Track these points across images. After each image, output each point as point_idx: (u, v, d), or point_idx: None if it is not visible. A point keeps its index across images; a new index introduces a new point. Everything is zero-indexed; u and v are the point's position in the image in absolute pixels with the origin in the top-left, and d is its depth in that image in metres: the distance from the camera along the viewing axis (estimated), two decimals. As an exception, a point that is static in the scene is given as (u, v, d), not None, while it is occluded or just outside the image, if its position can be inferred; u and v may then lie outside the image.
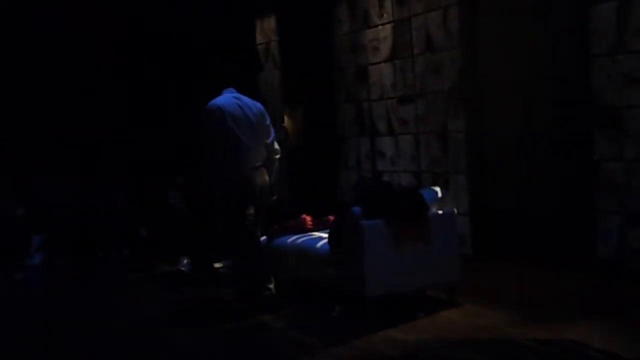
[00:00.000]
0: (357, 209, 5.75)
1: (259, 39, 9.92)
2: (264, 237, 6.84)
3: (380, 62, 8.46)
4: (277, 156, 6.31)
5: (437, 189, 6.17)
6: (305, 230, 6.65)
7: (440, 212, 5.97)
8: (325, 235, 6.18)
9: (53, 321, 6.29)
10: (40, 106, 8.67)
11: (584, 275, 6.36)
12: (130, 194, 8.91)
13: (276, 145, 6.28)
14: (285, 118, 9.29)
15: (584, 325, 5.15)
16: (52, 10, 8.73)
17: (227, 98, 6.07)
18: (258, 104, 6.22)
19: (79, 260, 8.01)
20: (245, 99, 6.14)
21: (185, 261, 7.32)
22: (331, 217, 6.78)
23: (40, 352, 5.59)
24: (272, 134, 6.24)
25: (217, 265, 7.76)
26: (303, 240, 6.41)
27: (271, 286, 6.17)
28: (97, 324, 6.23)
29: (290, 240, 6.53)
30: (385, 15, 8.28)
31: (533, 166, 7.03)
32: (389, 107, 8.41)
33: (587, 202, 6.43)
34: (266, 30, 9.83)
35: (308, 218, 6.77)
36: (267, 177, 6.23)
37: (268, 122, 6.27)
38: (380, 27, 8.39)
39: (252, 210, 6.10)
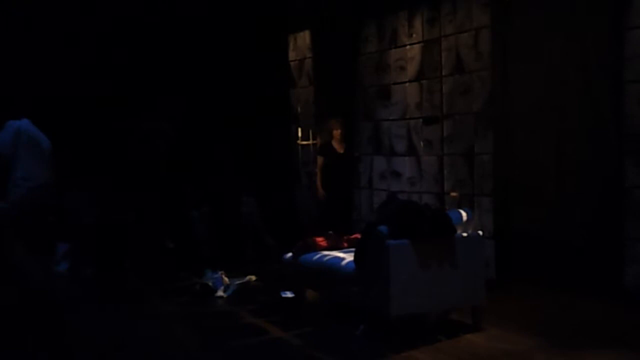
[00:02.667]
0: (383, 228, 5.79)
1: (292, 55, 9.99)
2: (289, 254, 6.90)
3: (405, 82, 8.49)
4: None
5: (463, 211, 6.18)
6: (331, 247, 6.68)
7: (466, 234, 5.98)
8: (351, 253, 6.20)
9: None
10: (70, 114, 8.76)
11: (610, 304, 6.35)
12: (158, 205, 8.97)
13: None
14: (317, 134, 9.33)
15: (609, 355, 5.17)
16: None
17: None
18: None
19: (103, 269, 8.09)
20: None
21: (211, 274, 7.34)
22: (351, 236, 6.86)
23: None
24: None
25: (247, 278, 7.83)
26: (328, 258, 6.45)
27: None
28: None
29: (315, 257, 6.57)
30: (414, 35, 8.32)
31: (562, 191, 7.03)
32: (411, 127, 8.43)
33: (615, 229, 6.42)
34: (300, 46, 9.90)
35: (327, 236, 6.83)
36: None
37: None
38: (408, 46, 8.44)
39: None
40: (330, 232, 6.93)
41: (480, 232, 6.21)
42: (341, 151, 8.60)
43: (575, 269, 6.74)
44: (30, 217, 6.02)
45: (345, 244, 6.77)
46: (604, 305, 6.35)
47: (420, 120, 8.34)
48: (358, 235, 6.66)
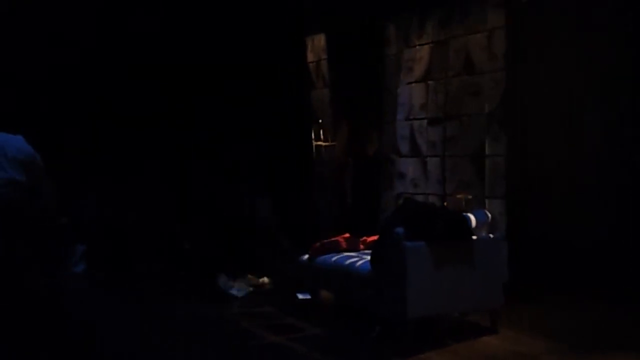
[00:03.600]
0: (400, 230, 5.81)
1: (310, 57, 10.00)
2: (305, 256, 6.93)
3: (412, 83, 8.49)
4: None
5: (487, 212, 6.21)
6: (347, 249, 6.70)
7: (487, 236, 6.01)
8: (367, 255, 6.23)
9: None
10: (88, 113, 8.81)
11: (627, 308, 6.36)
12: (175, 206, 9.01)
13: None
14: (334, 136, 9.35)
15: (626, 359, 5.17)
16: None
17: None
18: None
19: (119, 271, 8.13)
20: None
21: (225, 279, 7.37)
22: (368, 238, 6.87)
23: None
24: None
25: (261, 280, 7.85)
26: (344, 260, 6.48)
27: None
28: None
29: (331, 259, 6.60)
30: (424, 35, 8.33)
31: (577, 192, 7.05)
32: (415, 128, 8.43)
33: (634, 231, 6.44)
34: (317, 48, 9.90)
35: (343, 238, 6.85)
36: None
37: None
38: (417, 47, 8.43)
39: None
40: (348, 234, 6.95)
41: (492, 235, 6.22)
42: (362, 153, 8.60)
43: (591, 271, 6.76)
44: None
45: (362, 246, 6.80)
46: (622, 308, 6.38)
47: (425, 121, 8.34)
48: (369, 238, 6.73)
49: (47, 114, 8.07)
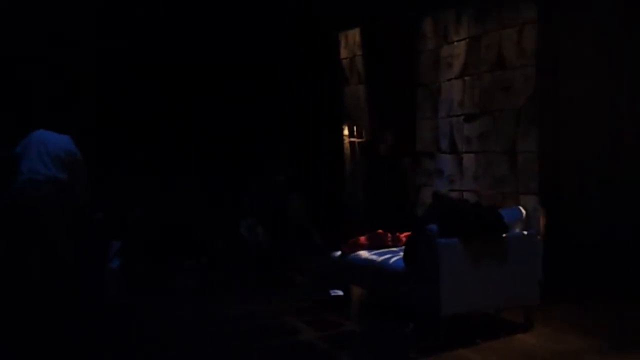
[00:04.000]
0: (433, 227, 5.81)
1: (343, 53, 9.98)
2: (338, 252, 6.93)
3: (451, 79, 8.47)
4: None
5: (522, 208, 6.18)
6: (379, 246, 6.70)
7: (522, 232, 5.99)
8: (401, 251, 6.22)
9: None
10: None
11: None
12: (209, 202, 9.07)
13: None
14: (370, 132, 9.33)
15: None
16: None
17: None
18: None
19: (155, 267, 8.18)
20: None
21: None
22: (402, 234, 6.87)
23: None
24: None
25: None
26: (377, 256, 6.48)
27: None
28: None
29: (364, 255, 6.59)
30: (461, 31, 8.30)
31: (611, 189, 6.99)
32: (453, 125, 8.41)
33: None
34: (351, 44, 9.89)
35: (377, 235, 6.84)
36: None
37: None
38: (455, 43, 8.40)
39: None
40: (381, 230, 6.95)
41: (526, 232, 6.19)
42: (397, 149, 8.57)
43: (627, 270, 6.71)
44: (31, 207, 6.21)
45: (390, 242, 6.79)
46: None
47: (462, 117, 8.31)
48: (403, 234, 6.72)
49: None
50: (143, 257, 8.02)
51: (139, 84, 8.83)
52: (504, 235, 5.90)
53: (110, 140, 6.79)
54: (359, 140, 9.32)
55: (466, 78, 8.27)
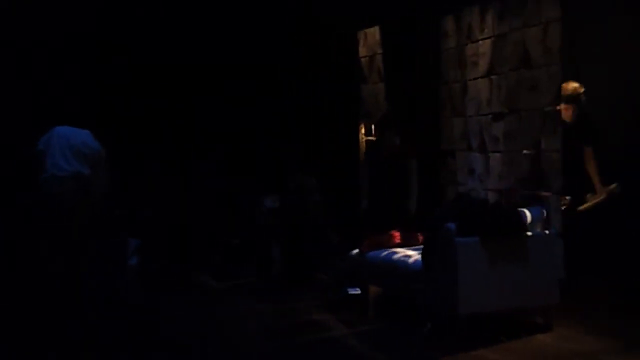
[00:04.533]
0: (451, 226, 5.80)
1: (362, 51, 9.98)
2: (355, 250, 6.94)
3: (478, 78, 8.43)
4: None
5: (535, 209, 6.14)
6: (395, 245, 6.70)
7: (541, 232, 5.95)
8: (419, 250, 6.22)
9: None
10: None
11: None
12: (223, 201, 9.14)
13: None
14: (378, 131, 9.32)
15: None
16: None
17: None
18: None
19: (171, 265, 8.27)
20: None
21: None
22: (420, 234, 6.85)
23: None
24: None
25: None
26: (395, 255, 6.48)
27: None
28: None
29: (382, 254, 6.60)
30: (486, 30, 8.26)
31: (636, 189, 6.92)
32: (482, 124, 8.37)
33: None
34: (370, 42, 9.88)
35: (397, 234, 6.83)
36: None
37: None
38: (480, 42, 8.36)
39: None
40: (399, 229, 6.94)
41: (547, 231, 6.14)
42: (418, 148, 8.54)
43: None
44: (53, 203, 6.29)
45: (414, 242, 6.78)
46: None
47: (490, 116, 8.27)
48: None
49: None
50: (159, 256, 8.10)
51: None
52: (523, 234, 5.87)
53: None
54: (373, 138, 9.31)
55: (492, 77, 8.23)
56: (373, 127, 9.27)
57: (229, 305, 7.41)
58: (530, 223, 5.99)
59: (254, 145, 9.40)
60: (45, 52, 8.41)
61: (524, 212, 6.08)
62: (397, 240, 6.78)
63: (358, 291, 6.98)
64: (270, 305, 7.24)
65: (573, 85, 7.33)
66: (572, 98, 7.24)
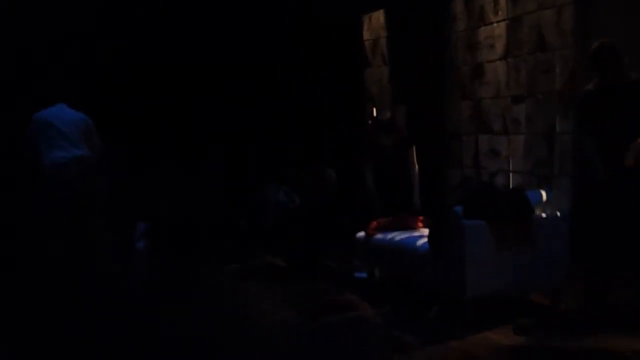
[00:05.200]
0: (458, 209, 5.82)
1: (366, 35, 10.01)
2: (361, 233, 6.97)
3: (495, 60, 8.41)
4: None
5: (542, 191, 6.13)
6: (403, 228, 6.72)
7: (547, 215, 5.94)
8: (426, 234, 6.24)
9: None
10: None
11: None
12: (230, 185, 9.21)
13: None
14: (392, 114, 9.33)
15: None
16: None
17: None
18: None
19: (180, 248, 8.34)
20: None
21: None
22: (427, 217, 6.87)
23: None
24: None
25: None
26: (402, 238, 6.52)
27: None
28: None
29: (389, 237, 6.62)
30: (500, 12, 8.24)
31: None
32: (503, 106, 8.36)
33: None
34: (375, 26, 9.90)
35: (404, 217, 6.87)
36: None
37: None
38: (495, 24, 8.35)
39: None
40: (406, 212, 6.97)
41: (558, 213, 6.12)
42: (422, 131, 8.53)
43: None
44: (67, 192, 6.33)
45: (421, 225, 6.81)
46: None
47: (509, 99, 8.26)
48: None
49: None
50: (168, 241, 8.17)
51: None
52: (530, 217, 5.86)
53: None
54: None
55: (509, 60, 8.22)
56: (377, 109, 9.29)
57: (245, 287, 7.43)
58: (539, 205, 5.98)
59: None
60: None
61: (534, 194, 6.08)
62: (404, 224, 6.81)
63: (364, 275, 7.03)
64: (291, 287, 7.27)
65: None
66: None
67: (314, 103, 9.56)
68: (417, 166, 7.54)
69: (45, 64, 8.39)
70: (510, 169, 8.15)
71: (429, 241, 6.08)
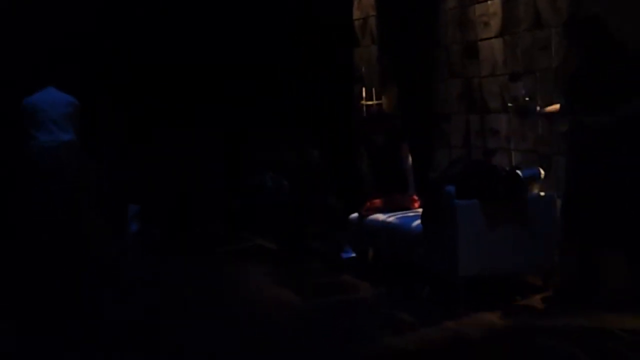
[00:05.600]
0: (450, 188, 5.83)
1: (356, 14, 9.98)
2: (355, 214, 6.97)
3: (491, 38, 8.36)
4: None
5: (540, 169, 6.13)
6: (396, 208, 6.73)
7: (540, 194, 5.93)
8: (418, 213, 6.26)
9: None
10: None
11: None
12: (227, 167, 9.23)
13: None
14: (381, 95, 9.32)
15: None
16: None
17: None
18: None
19: (172, 231, 8.37)
20: None
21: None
22: (419, 197, 6.88)
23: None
24: None
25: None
26: (394, 218, 6.52)
27: None
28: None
29: (382, 217, 6.64)
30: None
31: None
32: (501, 84, 8.32)
33: None
34: (365, 5, 9.87)
35: (397, 197, 6.88)
36: None
37: None
38: (489, 2, 8.29)
39: None
40: (398, 193, 6.97)
41: (544, 193, 6.11)
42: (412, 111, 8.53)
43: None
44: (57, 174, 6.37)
45: (413, 205, 6.82)
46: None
47: (507, 77, 8.22)
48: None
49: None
50: (160, 222, 8.18)
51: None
52: (522, 197, 5.86)
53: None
54: (372, 102, 9.31)
55: (506, 37, 8.17)
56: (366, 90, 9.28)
57: (239, 269, 7.47)
58: (535, 182, 5.98)
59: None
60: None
61: (531, 171, 6.08)
62: (398, 204, 6.82)
63: (353, 255, 7.04)
64: (283, 269, 7.32)
65: None
66: None
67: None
68: (410, 160, 7.47)
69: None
70: (512, 147, 8.13)
71: (421, 221, 6.10)
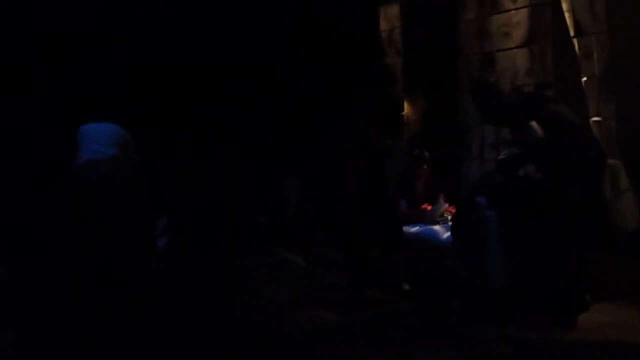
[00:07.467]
0: (481, 200, 5.84)
1: (383, 25, 10.06)
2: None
3: (513, 48, 8.35)
4: None
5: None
6: (424, 219, 6.78)
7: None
8: (449, 225, 6.29)
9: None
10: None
11: None
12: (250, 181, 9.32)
13: None
14: (406, 106, 9.35)
15: None
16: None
17: None
18: None
19: (199, 244, 8.47)
20: None
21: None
22: (449, 208, 6.88)
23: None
24: None
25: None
26: (425, 230, 6.54)
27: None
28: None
29: (412, 229, 6.68)
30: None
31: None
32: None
33: None
34: (390, 17, 9.94)
35: (424, 208, 6.91)
36: None
37: None
38: (513, 11, 8.29)
39: None
40: (428, 204, 6.99)
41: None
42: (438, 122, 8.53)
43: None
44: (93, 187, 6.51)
45: (434, 216, 6.85)
46: None
47: (532, 86, 8.20)
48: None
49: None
50: (187, 237, 8.27)
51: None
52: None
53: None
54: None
55: (533, 47, 8.15)
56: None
57: (271, 283, 7.46)
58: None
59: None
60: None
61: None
62: (425, 215, 6.84)
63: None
64: (311, 284, 7.34)
65: None
66: None
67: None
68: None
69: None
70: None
71: (452, 232, 6.13)
